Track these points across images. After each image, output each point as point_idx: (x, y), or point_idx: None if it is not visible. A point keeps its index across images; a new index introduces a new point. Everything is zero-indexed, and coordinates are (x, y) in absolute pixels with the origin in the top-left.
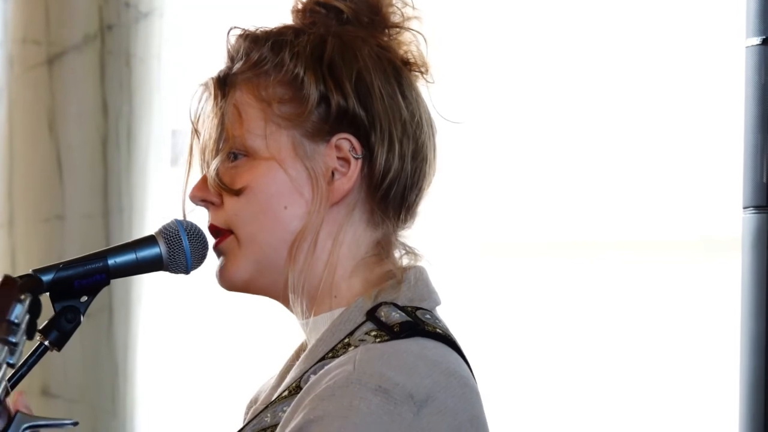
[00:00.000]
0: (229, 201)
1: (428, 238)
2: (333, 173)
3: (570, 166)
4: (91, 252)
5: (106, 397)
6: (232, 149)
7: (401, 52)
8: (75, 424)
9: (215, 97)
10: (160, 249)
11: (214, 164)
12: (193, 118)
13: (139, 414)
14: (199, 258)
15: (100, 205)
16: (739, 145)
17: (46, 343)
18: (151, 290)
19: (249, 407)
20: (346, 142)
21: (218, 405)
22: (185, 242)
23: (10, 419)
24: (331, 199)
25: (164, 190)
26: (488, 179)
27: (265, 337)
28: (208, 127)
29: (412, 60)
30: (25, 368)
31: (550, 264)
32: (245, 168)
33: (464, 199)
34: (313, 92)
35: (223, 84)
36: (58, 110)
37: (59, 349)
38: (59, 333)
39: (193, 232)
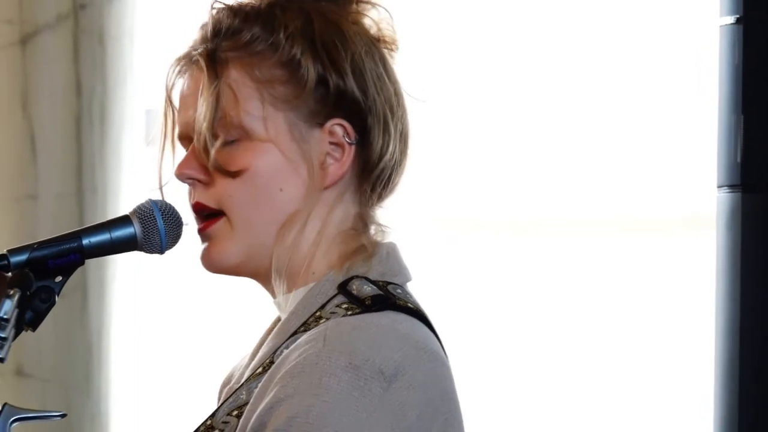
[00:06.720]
0: (224, 182)
1: (393, 213)
2: (326, 157)
3: (545, 144)
4: (65, 232)
5: (79, 377)
6: (230, 130)
7: (373, 29)
8: (63, 416)
9: (209, 75)
10: (134, 229)
11: (215, 144)
12: (168, 91)
13: (113, 394)
14: (174, 238)
15: (74, 184)
16: (714, 124)
17: None
18: (125, 270)
19: (222, 387)
20: (340, 127)
21: (192, 385)
22: (160, 222)
23: None
24: (324, 183)
25: (138, 169)
26: (454, 154)
27: (241, 317)
28: (200, 105)
29: (383, 37)
30: None
31: (521, 241)
32: (242, 149)
33: (427, 174)
34: (311, 74)
35: (214, 61)
36: (31, 90)
37: (33, 329)
38: (33, 313)
39: (168, 212)
